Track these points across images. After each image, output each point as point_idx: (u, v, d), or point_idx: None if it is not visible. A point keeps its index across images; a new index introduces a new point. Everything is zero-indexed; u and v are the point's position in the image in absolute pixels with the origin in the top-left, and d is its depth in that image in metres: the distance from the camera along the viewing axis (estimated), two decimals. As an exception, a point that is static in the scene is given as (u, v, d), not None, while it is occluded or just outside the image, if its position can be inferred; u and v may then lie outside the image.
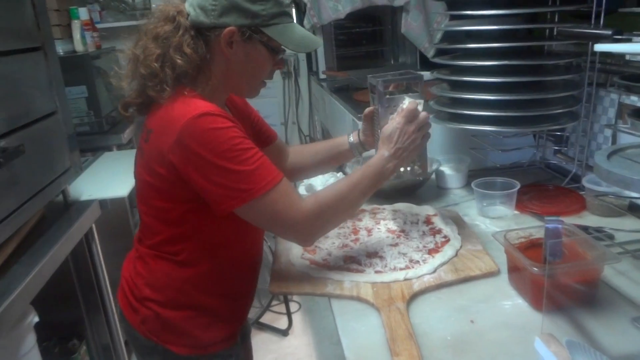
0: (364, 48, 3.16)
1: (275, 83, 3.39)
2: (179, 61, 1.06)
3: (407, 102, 1.22)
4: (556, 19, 1.63)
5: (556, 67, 1.67)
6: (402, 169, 1.29)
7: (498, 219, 1.48)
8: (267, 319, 2.88)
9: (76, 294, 2.10)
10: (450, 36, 2.11)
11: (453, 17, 1.75)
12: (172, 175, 1.05)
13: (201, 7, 1.07)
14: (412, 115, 1.19)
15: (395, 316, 1.02)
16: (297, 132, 3.49)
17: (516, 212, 1.50)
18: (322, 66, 2.94)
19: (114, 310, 2.18)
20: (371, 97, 1.35)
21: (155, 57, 1.08)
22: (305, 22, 2.80)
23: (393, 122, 1.20)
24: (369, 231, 1.40)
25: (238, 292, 1.25)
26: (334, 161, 1.47)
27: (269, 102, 3.42)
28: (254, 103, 3.56)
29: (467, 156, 1.77)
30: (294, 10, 3.27)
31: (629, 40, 1.10)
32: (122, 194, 2.04)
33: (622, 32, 1.10)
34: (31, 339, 1.47)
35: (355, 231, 1.41)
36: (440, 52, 1.79)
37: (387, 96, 1.28)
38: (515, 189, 1.47)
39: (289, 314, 2.86)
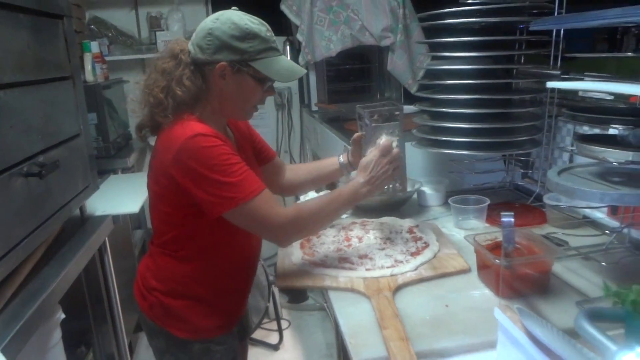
0: (353, 83, 3.42)
1: (269, 114, 3.62)
2: (178, 92, 1.28)
3: (383, 139, 1.47)
4: (522, 61, 1.90)
5: (522, 101, 1.93)
6: (385, 187, 1.52)
7: (471, 231, 1.70)
8: (258, 335, 3.03)
9: (86, 304, 2.26)
10: (431, 74, 2.37)
11: (434, 58, 2.00)
12: (172, 185, 1.26)
13: (199, 46, 1.28)
14: (386, 151, 1.42)
15: (383, 301, 1.22)
16: (288, 160, 3.71)
17: (487, 224, 1.72)
18: (314, 99, 3.19)
19: (122, 322, 2.33)
20: (359, 124, 1.59)
21: (161, 89, 1.30)
22: (300, 58, 3.06)
23: (370, 155, 1.43)
24: (360, 239, 1.61)
25: (232, 288, 1.45)
26: (325, 179, 1.68)
27: (262, 132, 3.55)
28: (250, 132, 3.73)
29: (446, 178, 2.00)
30: (288, 47, 3.54)
31: (575, 79, 1.35)
32: (133, 210, 2.23)
33: (568, 72, 1.35)
34: (58, 334, 1.63)
35: (348, 239, 1.62)
36: (422, 87, 2.04)
37: (373, 124, 1.51)
38: (486, 204, 1.70)
39: (280, 330, 3.02)
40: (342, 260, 1.46)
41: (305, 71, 1.38)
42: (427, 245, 1.53)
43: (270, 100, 3.60)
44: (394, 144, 1.46)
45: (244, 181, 1.23)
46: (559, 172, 1.33)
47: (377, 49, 3.25)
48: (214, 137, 1.23)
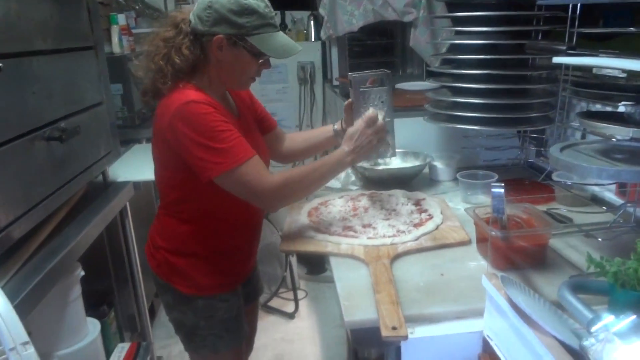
0: (375, 59, 3.42)
1: (292, 89, 3.66)
2: (177, 60, 1.34)
3: (370, 111, 1.50)
4: (539, 37, 1.88)
5: (538, 78, 1.92)
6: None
7: (479, 205, 1.71)
8: (275, 303, 3.12)
9: (108, 266, 2.37)
10: (453, 49, 2.36)
11: (458, 33, 2.00)
12: (169, 149, 1.33)
13: (199, 17, 1.33)
14: (371, 121, 1.46)
15: (380, 268, 1.27)
16: (310, 135, 3.76)
17: (495, 200, 1.74)
18: (335, 73, 3.20)
19: (142, 284, 2.44)
20: (350, 91, 1.61)
21: (162, 56, 1.36)
22: (322, 33, 3.07)
23: (356, 125, 1.48)
24: (366, 209, 1.65)
25: (233, 247, 1.52)
26: (320, 146, 1.73)
27: (285, 107, 3.69)
28: (273, 107, 3.86)
29: (458, 154, 2.01)
30: (312, 21, 3.55)
31: (580, 55, 1.34)
32: (152, 178, 2.30)
33: (575, 48, 1.34)
34: (77, 289, 1.73)
35: (355, 209, 1.66)
36: (443, 64, 2.04)
37: (361, 89, 1.55)
38: (494, 179, 1.71)
39: (296, 299, 3.10)
40: (346, 229, 1.50)
41: (301, 49, 1.42)
42: (430, 217, 1.55)
43: (293, 75, 3.64)
44: (380, 116, 1.50)
45: (233, 148, 1.29)
46: (562, 149, 1.33)
47: (400, 24, 3.23)
48: (206, 104, 1.29)
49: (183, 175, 1.37)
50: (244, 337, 1.58)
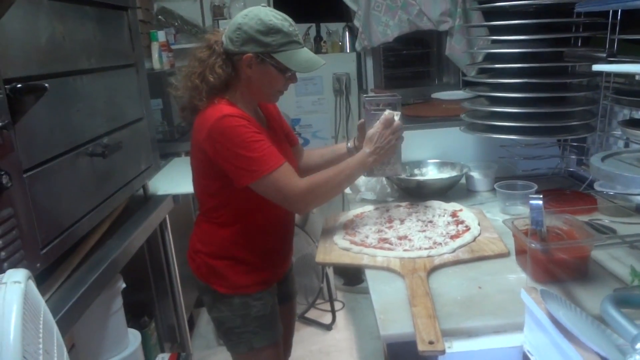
0: (411, 68, 3.41)
1: (327, 100, 3.67)
2: (211, 78, 1.46)
3: (387, 112, 1.58)
4: (579, 44, 1.84)
5: (579, 86, 1.87)
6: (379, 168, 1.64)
7: (518, 217, 1.68)
8: (312, 315, 3.12)
9: (149, 277, 2.42)
10: (486, 58, 2.33)
11: (495, 42, 1.98)
12: (206, 159, 1.45)
13: (230, 38, 1.45)
14: (389, 123, 1.57)
15: (416, 281, 1.25)
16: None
17: (534, 211, 1.70)
18: (371, 84, 3.21)
19: (181, 295, 2.48)
20: (363, 112, 1.70)
21: (197, 75, 1.49)
22: (357, 44, 3.08)
23: (374, 128, 1.57)
24: (402, 221, 1.64)
25: (267, 248, 1.61)
26: (336, 162, 1.74)
27: (321, 117, 3.71)
28: (309, 118, 3.87)
29: (495, 163, 1.98)
30: (347, 33, 3.56)
31: (621, 62, 1.31)
32: (191, 191, 2.35)
33: (616, 54, 1.31)
34: (119, 301, 1.78)
35: (390, 220, 1.65)
36: (481, 72, 2.02)
37: (372, 111, 1.63)
38: (533, 190, 1.68)
39: (333, 310, 3.09)
40: (381, 241, 1.50)
41: (324, 63, 1.51)
42: (467, 228, 1.53)
43: (328, 86, 3.66)
44: (396, 117, 1.58)
45: (265, 156, 1.40)
46: (604, 158, 1.30)
47: (435, 33, 3.22)
48: (239, 117, 1.41)
49: (220, 183, 1.48)
50: (279, 334, 1.66)
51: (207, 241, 1.60)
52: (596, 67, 1.31)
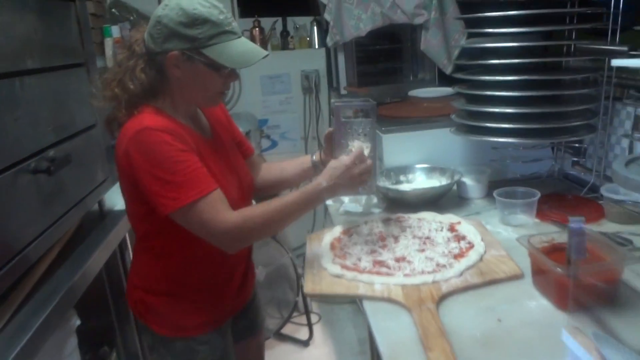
0: (384, 65, 3.24)
1: (295, 99, 3.47)
2: (130, 85, 1.24)
3: (355, 145, 1.37)
4: (573, 36, 1.71)
5: (574, 82, 1.74)
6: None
7: (519, 227, 1.54)
8: (287, 330, 2.93)
9: (108, 302, 2.17)
10: (468, 53, 2.19)
11: (472, 35, 1.83)
12: (128, 180, 1.23)
13: (150, 35, 1.23)
14: (359, 160, 1.32)
15: (426, 315, 1.08)
16: (317, 146, 3.57)
17: (537, 220, 1.56)
18: (343, 82, 3.02)
19: (144, 318, 2.25)
20: (332, 119, 1.47)
21: (117, 82, 1.26)
22: (328, 39, 2.89)
23: (342, 160, 1.32)
24: (396, 238, 1.46)
25: (211, 283, 1.38)
26: (298, 178, 1.59)
27: (289, 117, 3.50)
28: (277, 118, 3.65)
29: (488, 167, 1.83)
30: (315, 28, 3.37)
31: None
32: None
33: (636, 48, 1.17)
34: (73, 342, 1.54)
35: (383, 238, 1.47)
36: (460, 68, 1.86)
37: (343, 119, 1.41)
38: (536, 198, 1.53)
39: (309, 325, 2.91)
40: (377, 264, 1.32)
41: (267, 53, 1.28)
42: (471, 245, 1.37)
43: (297, 84, 3.45)
44: (366, 151, 1.37)
45: (189, 181, 1.17)
46: (627, 163, 1.15)
47: (409, 27, 3.05)
48: (162, 131, 1.17)
49: (147, 208, 1.23)
50: None
51: (143, 274, 1.38)
52: (617, 63, 1.16)
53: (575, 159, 1.86)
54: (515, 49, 1.63)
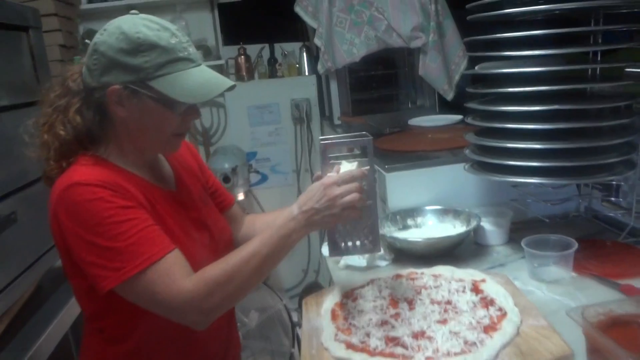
0: (380, 92, 3.03)
1: (286, 129, 3.25)
2: (60, 131, 1.01)
3: (344, 166, 1.11)
4: (599, 57, 1.49)
5: (601, 111, 1.51)
6: (350, 243, 1.17)
7: (554, 283, 1.30)
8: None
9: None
10: (475, 79, 1.98)
11: (479, 59, 1.61)
12: (61, 249, 1.00)
13: (87, 67, 1.01)
14: (347, 179, 1.05)
15: (461, 422, 0.83)
16: (309, 179, 3.34)
17: (574, 274, 1.32)
18: (336, 111, 2.81)
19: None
20: (320, 161, 1.19)
21: (47, 127, 1.03)
22: (319, 66, 2.69)
23: (318, 182, 1.07)
24: (410, 303, 1.21)
25: None
26: None
27: (280, 149, 3.28)
28: (266, 151, 3.42)
29: (509, 209, 1.60)
30: (305, 54, 3.16)
31: None
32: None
33: None
34: None
35: (394, 303, 1.22)
36: (468, 96, 1.64)
37: (331, 161, 1.14)
38: (573, 250, 1.30)
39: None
40: (390, 342, 1.07)
41: (232, 84, 1.04)
42: (503, 313, 1.13)
43: (286, 114, 3.23)
44: (352, 165, 1.10)
45: (135, 245, 0.94)
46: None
47: (405, 51, 2.86)
48: (97, 186, 0.95)
49: (89, 281, 0.98)
50: None
51: None
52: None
53: (606, 197, 1.62)
54: (537, 75, 1.42)
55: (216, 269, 0.98)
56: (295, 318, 2.72)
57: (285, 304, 2.68)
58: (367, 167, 1.11)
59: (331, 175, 1.07)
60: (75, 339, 1.78)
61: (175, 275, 0.95)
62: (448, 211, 1.63)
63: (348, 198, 1.03)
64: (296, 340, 2.69)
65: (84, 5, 2.83)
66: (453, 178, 1.70)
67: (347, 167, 1.11)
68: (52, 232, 1.00)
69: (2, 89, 1.34)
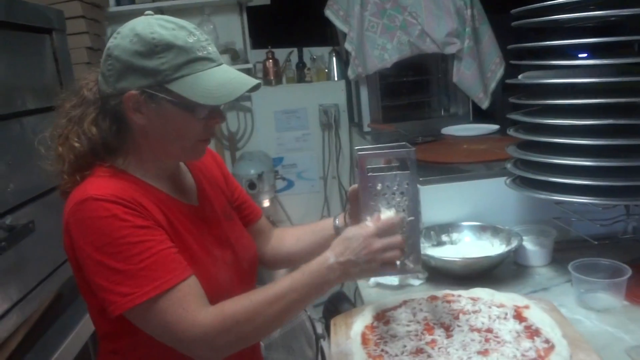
0: (411, 98, 2.94)
1: (313, 135, 3.18)
2: (75, 143, 0.96)
3: (385, 213, 1.01)
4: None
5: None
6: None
7: (604, 313, 1.20)
8: (305, 397, 2.58)
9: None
10: (512, 87, 1.88)
11: (513, 68, 1.51)
12: (74, 266, 0.95)
13: (102, 74, 0.95)
14: (387, 230, 0.97)
15: None
16: (337, 186, 3.26)
17: (625, 302, 1.22)
18: (366, 118, 2.72)
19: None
20: (356, 172, 1.11)
21: (63, 139, 0.98)
22: (350, 71, 2.61)
23: (361, 227, 0.98)
24: (448, 329, 1.12)
25: None
26: (319, 248, 1.17)
27: (307, 155, 3.21)
28: (293, 157, 3.35)
29: (552, 228, 1.50)
30: (334, 59, 3.10)
31: None
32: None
33: None
34: None
35: (429, 329, 1.14)
36: (512, 107, 1.54)
37: (369, 173, 1.04)
38: (626, 277, 1.19)
39: (330, 393, 2.55)
40: (427, 373, 0.98)
41: (257, 82, 0.97)
42: (550, 345, 1.03)
43: (314, 120, 3.16)
44: (394, 213, 1.01)
45: (147, 270, 0.87)
46: None
47: (439, 57, 2.76)
48: (112, 202, 0.89)
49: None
50: None
51: None
52: None
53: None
54: (585, 86, 1.32)
55: (237, 305, 0.91)
56: (319, 329, 2.64)
57: (309, 315, 2.60)
58: (407, 217, 1.03)
59: (370, 225, 0.98)
60: (95, 350, 1.74)
61: (189, 305, 0.88)
62: (486, 228, 1.53)
63: (389, 255, 0.97)
64: (319, 352, 2.61)
65: (112, 8, 2.80)
66: (491, 193, 1.60)
67: (387, 214, 1.02)
68: (65, 247, 0.95)
69: (24, 93, 1.29)
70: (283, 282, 0.94)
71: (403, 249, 1.00)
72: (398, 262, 1.09)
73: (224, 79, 0.94)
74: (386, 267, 0.99)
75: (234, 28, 3.06)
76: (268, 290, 0.93)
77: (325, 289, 0.97)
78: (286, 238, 1.28)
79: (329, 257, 0.96)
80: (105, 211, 0.88)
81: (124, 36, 0.92)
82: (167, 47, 0.90)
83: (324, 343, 2.63)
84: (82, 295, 1.00)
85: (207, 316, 0.89)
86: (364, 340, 1.13)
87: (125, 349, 1.00)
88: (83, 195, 0.90)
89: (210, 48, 0.96)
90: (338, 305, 3.28)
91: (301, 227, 1.32)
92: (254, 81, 0.96)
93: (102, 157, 0.97)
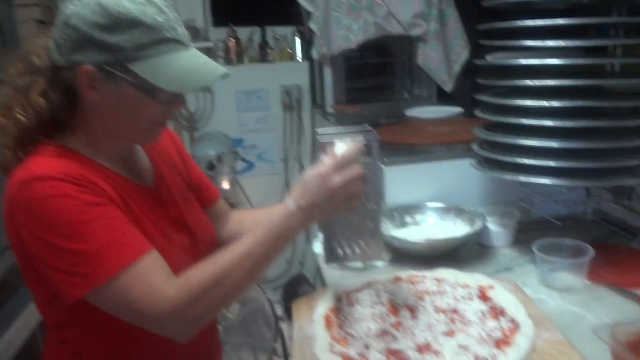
0: (375, 80, 2.91)
1: (274, 116, 3.12)
2: (20, 116, 0.88)
3: (339, 147, 0.94)
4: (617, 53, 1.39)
5: (617, 110, 1.42)
6: (349, 250, 1.09)
7: (567, 292, 1.20)
8: (265, 381, 2.55)
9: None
10: (480, 69, 1.87)
11: (478, 50, 1.49)
12: (18, 253, 0.88)
13: (56, 42, 0.86)
14: (344, 163, 0.91)
15: None
16: (297, 168, 3.22)
17: (587, 281, 1.23)
18: (329, 99, 2.68)
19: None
20: (317, 153, 1.07)
21: (5, 110, 0.89)
22: (314, 51, 2.56)
23: (317, 167, 0.92)
24: (412, 311, 1.11)
25: None
26: None
27: (268, 137, 3.15)
28: (253, 138, 3.28)
29: (515, 209, 1.50)
30: (297, 39, 3.03)
31: None
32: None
33: None
34: None
35: (394, 310, 1.11)
36: (478, 88, 1.53)
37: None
38: (588, 257, 1.20)
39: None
40: (392, 355, 0.96)
41: (225, 71, 0.91)
42: (515, 325, 1.02)
43: (276, 100, 3.10)
44: (348, 145, 0.94)
45: (104, 248, 0.81)
46: None
47: (404, 39, 2.74)
48: (60, 180, 0.82)
49: (53, 289, 0.87)
50: None
51: None
52: None
53: (618, 199, 1.53)
54: (552, 68, 1.31)
55: (203, 273, 0.86)
56: (278, 311, 2.61)
57: (268, 297, 2.57)
58: (362, 141, 0.96)
59: (326, 163, 0.92)
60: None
61: (154, 280, 0.82)
62: (450, 209, 1.52)
63: (351, 188, 0.91)
64: (279, 334, 2.58)
65: (65, -23, 2.65)
66: (455, 174, 1.60)
67: (342, 147, 0.95)
68: (7, 234, 0.87)
69: None
70: (246, 240, 0.89)
71: (364, 178, 0.94)
72: (359, 250, 1.07)
73: (191, 64, 0.88)
74: (351, 201, 0.93)
75: (195, 4, 2.95)
76: (232, 252, 0.88)
77: (291, 237, 0.92)
78: (245, 221, 1.23)
79: (289, 204, 0.90)
80: (53, 190, 0.81)
81: (85, 4, 0.83)
82: (132, 23, 0.83)
83: (283, 325, 2.61)
84: (28, 284, 0.93)
85: (173, 289, 0.83)
86: (328, 323, 1.10)
87: (75, 338, 0.94)
88: (28, 174, 0.83)
89: (179, 29, 0.89)
90: (297, 287, 3.26)
91: (260, 210, 1.28)
92: (222, 70, 0.90)
93: (49, 133, 0.89)
